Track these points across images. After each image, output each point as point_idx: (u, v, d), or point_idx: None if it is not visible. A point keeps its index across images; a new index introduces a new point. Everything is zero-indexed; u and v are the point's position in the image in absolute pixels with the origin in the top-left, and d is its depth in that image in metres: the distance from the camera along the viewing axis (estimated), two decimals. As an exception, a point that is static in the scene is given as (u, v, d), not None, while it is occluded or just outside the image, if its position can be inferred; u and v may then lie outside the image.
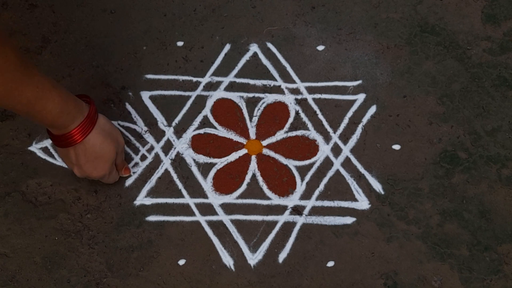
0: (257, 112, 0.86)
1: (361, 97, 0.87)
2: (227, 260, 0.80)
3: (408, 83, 0.87)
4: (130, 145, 0.84)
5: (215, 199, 0.82)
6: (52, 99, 0.60)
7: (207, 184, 0.83)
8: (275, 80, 0.88)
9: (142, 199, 0.82)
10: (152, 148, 0.84)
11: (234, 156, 0.84)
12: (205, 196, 0.82)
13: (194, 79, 0.88)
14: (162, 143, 0.85)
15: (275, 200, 0.82)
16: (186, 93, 0.87)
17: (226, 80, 0.88)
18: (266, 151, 0.85)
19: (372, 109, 0.86)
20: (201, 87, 0.87)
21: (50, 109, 0.60)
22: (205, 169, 0.84)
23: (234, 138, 0.85)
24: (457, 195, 0.82)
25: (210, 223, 0.81)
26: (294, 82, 0.87)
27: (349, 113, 0.86)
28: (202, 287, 0.78)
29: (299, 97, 0.87)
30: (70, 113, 0.64)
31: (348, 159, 0.84)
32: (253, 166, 0.84)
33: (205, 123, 0.86)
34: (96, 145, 0.69)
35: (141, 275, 0.79)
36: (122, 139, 0.77)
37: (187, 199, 0.82)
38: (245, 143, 0.85)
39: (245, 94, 0.87)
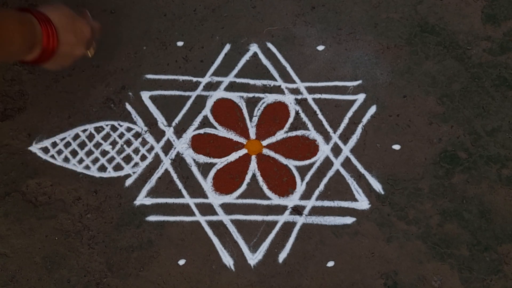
0: (257, 112, 0.86)
1: (361, 97, 0.87)
2: (227, 260, 0.80)
3: (408, 83, 0.87)
4: (130, 145, 0.85)
5: (215, 199, 0.82)
6: (18, 30, 0.60)
7: (207, 184, 0.83)
8: (275, 80, 0.88)
9: (142, 199, 0.82)
10: (152, 148, 0.84)
11: (234, 156, 0.84)
12: (205, 196, 0.82)
13: (194, 79, 0.88)
14: (162, 143, 0.85)
15: (275, 200, 0.82)
16: (186, 93, 0.87)
17: (226, 80, 0.88)
18: (266, 151, 0.85)
19: (372, 109, 0.86)
20: (201, 87, 0.87)
21: (22, 39, 0.61)
22: (205, 169, 0.84)
23: (234, 138, 0.85)
24: (457, 195, 0.82)
25: (210, 223, 0.81)
26: (294, 82, 0.87)
27: (349, 113, 0.86)
28: (202, 287, 0.78)
29: (299, 97, 0.87)
30: (31, 30, 0.65)
31: (348, 159, 0.84)
32: (253, 166, 0.84)
33: (205, 123, 0.86)
34: (63, 20, 0.70)
35: (141, 275, 0.79)
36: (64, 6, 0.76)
37: (187, 199, 0.82)
38: (245, 143, 0.85)
39: (245, 94, 0.87)
